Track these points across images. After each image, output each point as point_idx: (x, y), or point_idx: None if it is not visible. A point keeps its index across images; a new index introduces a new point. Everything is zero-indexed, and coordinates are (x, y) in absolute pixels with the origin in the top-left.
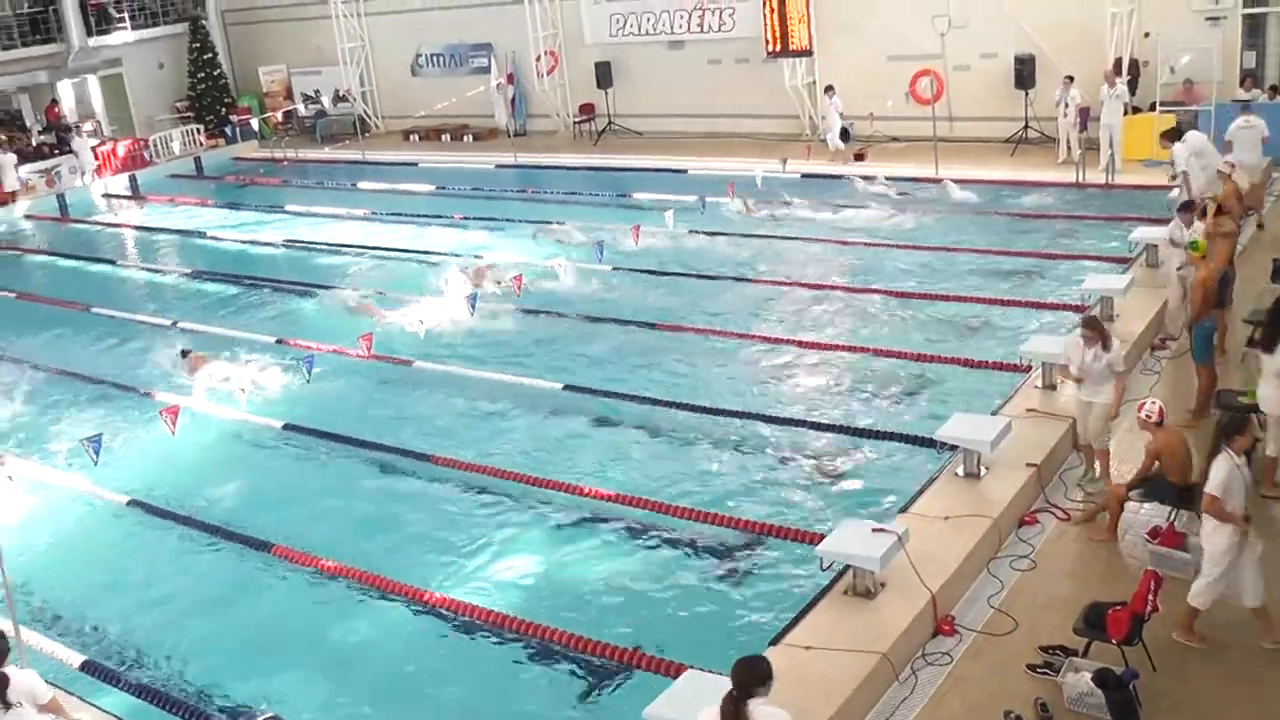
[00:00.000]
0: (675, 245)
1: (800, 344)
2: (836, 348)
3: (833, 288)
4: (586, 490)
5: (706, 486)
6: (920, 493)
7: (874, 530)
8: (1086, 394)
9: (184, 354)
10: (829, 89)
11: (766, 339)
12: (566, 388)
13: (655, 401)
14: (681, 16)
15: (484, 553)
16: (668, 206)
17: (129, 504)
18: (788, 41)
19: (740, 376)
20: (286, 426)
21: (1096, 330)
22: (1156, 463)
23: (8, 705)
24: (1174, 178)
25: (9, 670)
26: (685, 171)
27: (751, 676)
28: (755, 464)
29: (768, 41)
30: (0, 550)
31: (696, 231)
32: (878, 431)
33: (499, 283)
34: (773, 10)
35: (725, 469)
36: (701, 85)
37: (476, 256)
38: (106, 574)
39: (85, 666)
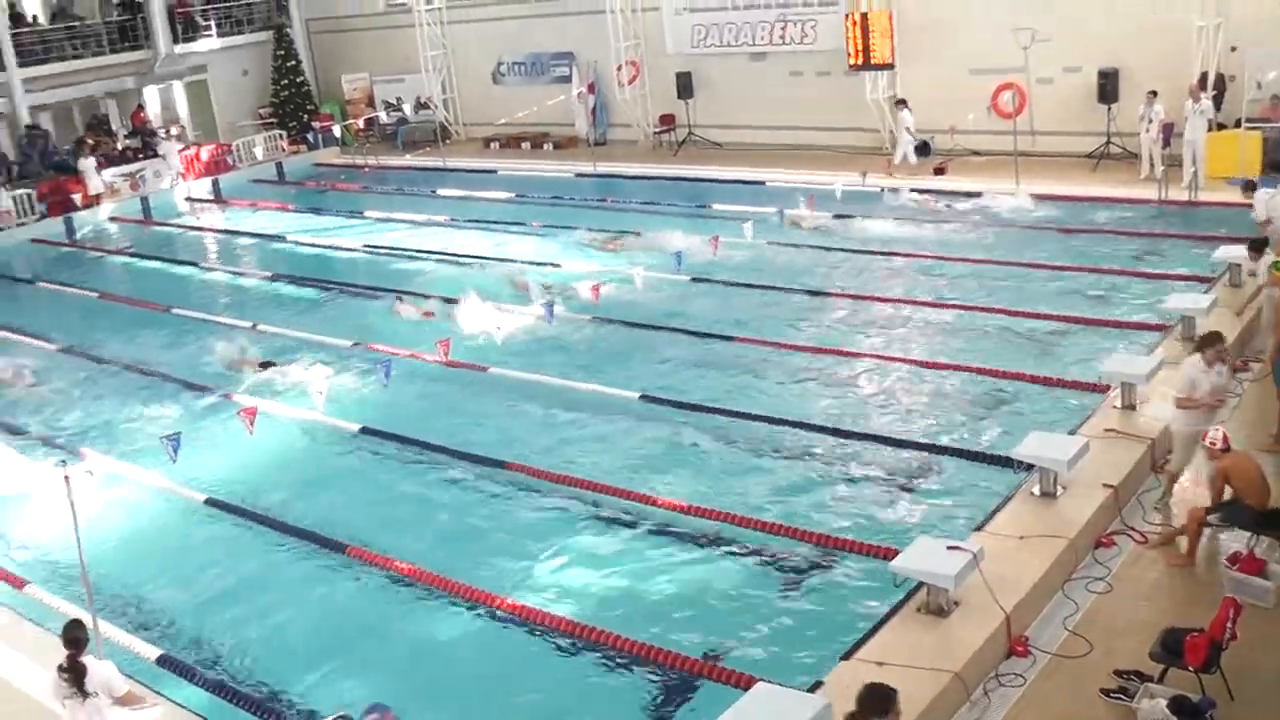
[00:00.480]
0: (754, 257)
1: (877, 357)
2: (912, 362)
3: (909, 302)
4: (660, 500)
5: (780, 499)
6: (996, 511)
7: (949, 548)
8: (1200, 422)
9: (264, 366)
10: (900, 102)
11: (842, 352)
12: (643, 397)
13: (730, 413)
14: (763, 28)
15: (555, 560)
16: (746, 218)
17: (206, 502)
18: (869, 55)
19: (815, 389)
20: (363, 430)
21: (1222, 348)
22: (1229, 487)
23: (85, 695)
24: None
25: (87, 660)
26: (764, 183)
27: (877, 704)
28: (829, 478)
29: (849, 54)
30: (80, 543)
31: (775, 243)
32: (953, 448)
33: (547, 288)
34: (855, 23)
35: (799, 482)
36: (782, 97)
37: (520, 265)
38: (183, 570)
39: (161, 660)
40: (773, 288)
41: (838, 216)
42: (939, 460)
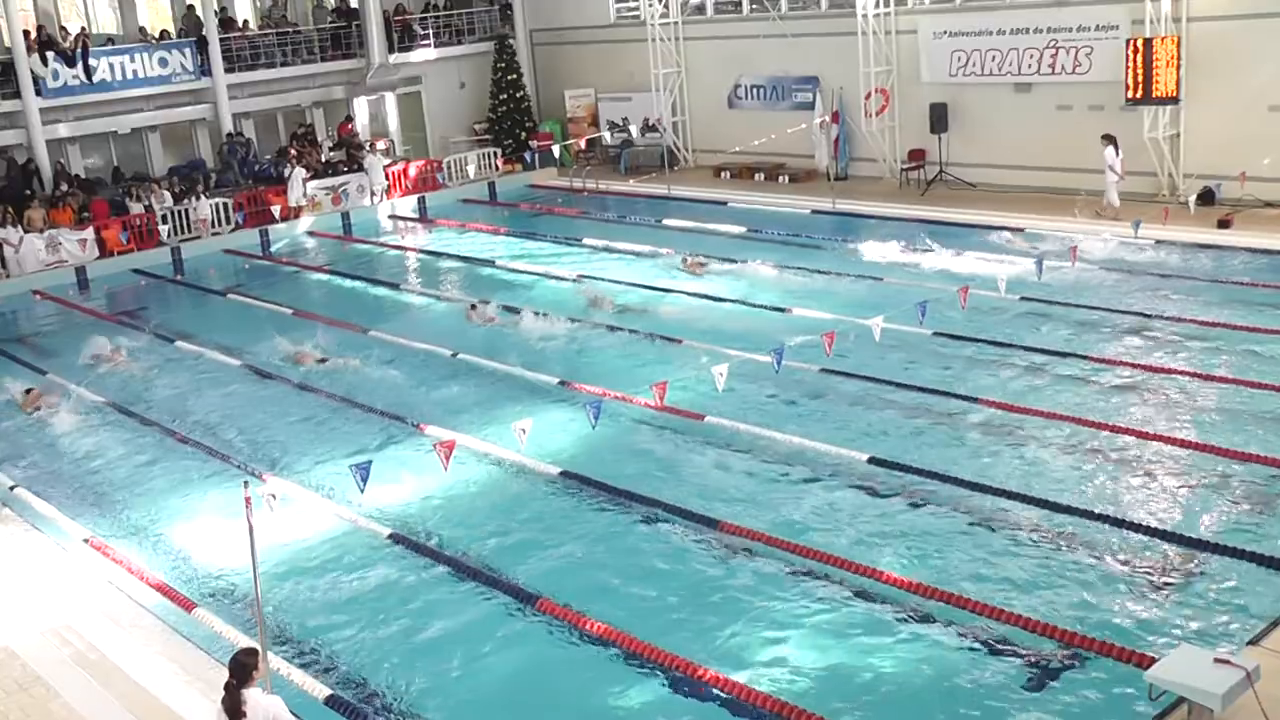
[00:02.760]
0: (1005, 312)
1: (1138, 434)
2: (1181, 443)
3: (1179, 372)
4: (885, 574)
5: (1012, 582)
6: (1275, 624)
7: (1216, 661)
8: None
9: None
10: (1107, 138)
11: (1094, 424)
12: (872, 460)
13: (964, 483)
14: (1031, 55)
15: (762, 630)
16: (1001, 268)
17: (389, 537)
18: (1151, 87)
19: (1061, 462)
20: (564, 474)
21: None
22: None
23: None
24: None
25: (253, 693)
26: (1022, 230)
27: None
28: (1071, 563)
29: (1128, 86)
30: (256, 567)
31: (1029, 298)
32: (1227, 546)
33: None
34: (1137, 50)
35: (1036, 564)
36: (1047, 134)
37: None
38: (361, 608)
39: (330, 701)
40: (1022, 347)
41: (1105, 269)
42: (1208, 558)
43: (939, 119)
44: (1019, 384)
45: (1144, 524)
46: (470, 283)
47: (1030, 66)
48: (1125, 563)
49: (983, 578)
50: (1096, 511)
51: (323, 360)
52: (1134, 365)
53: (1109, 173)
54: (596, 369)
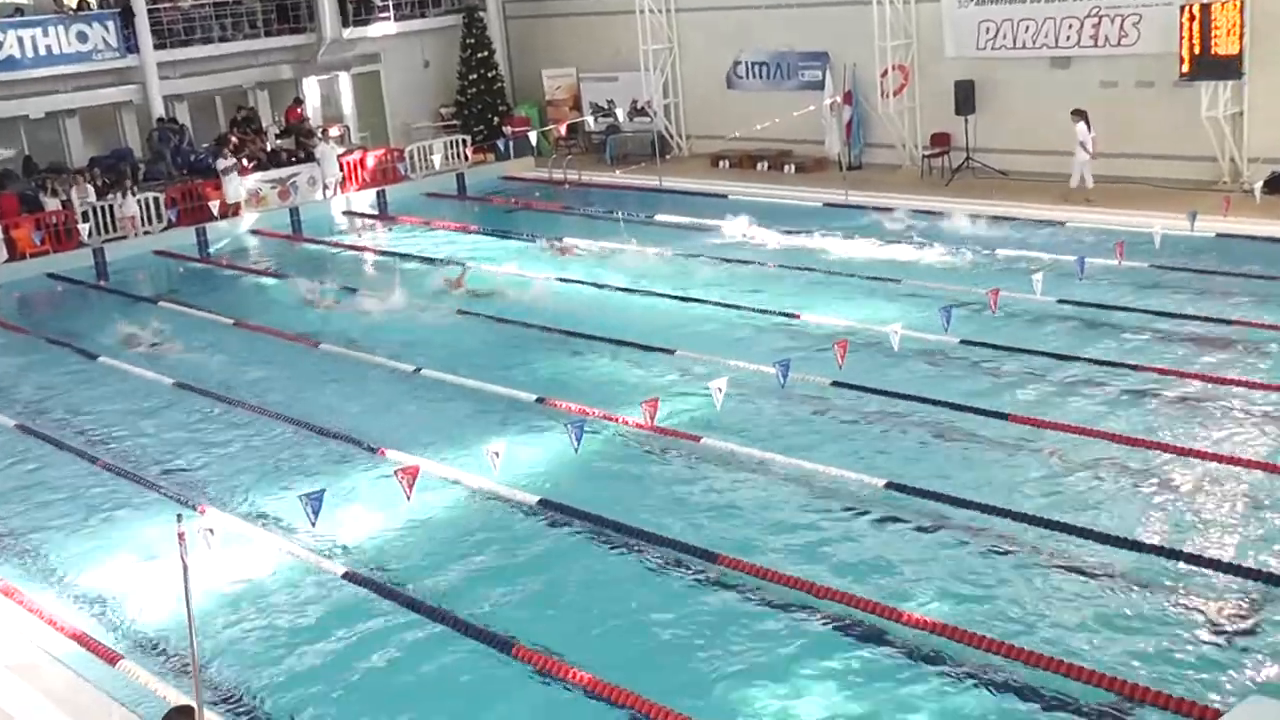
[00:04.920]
0: (1042, 317)
1: (1194, 454)
2: (1245, 463)
3: (1242, 384)
4: (907, 615)
5: (1057, 625)
6: None
7: None
8: None
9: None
10: (1078, 113)
11: (1147, 443)
12: (890, 485)
13: (998, 510)
14: (1070, 26)
15: (770, 679)
16: (1036, 267)
17: (344, 576)
18: (1210, 59)
19: (1110, 487)
20: (542, 502)
21: None
22: None
23: None
24: None
25: None
26: (1063, 224)
27: None
28: (1123, 603)
29: (1182, 59)
30: (191, 613)
31: (1067, 300)
32: None
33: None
34: (1193, 18)
35: (1083, 603)
36: (1089, 114)
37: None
38: (312, 657)
39: None
40: (1060, 355)
41: (1155, 267)
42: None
43: (965, 99)
44: (1055, 398)
45: (1209, 558)
46: (437, 288)
47: (1069, 38)
48: (1188, 603)
49: (1020, 619)
50: (1151, 543)
51: None
52: (1188, 376)
53: (1080, 151)
54: (582, 385)
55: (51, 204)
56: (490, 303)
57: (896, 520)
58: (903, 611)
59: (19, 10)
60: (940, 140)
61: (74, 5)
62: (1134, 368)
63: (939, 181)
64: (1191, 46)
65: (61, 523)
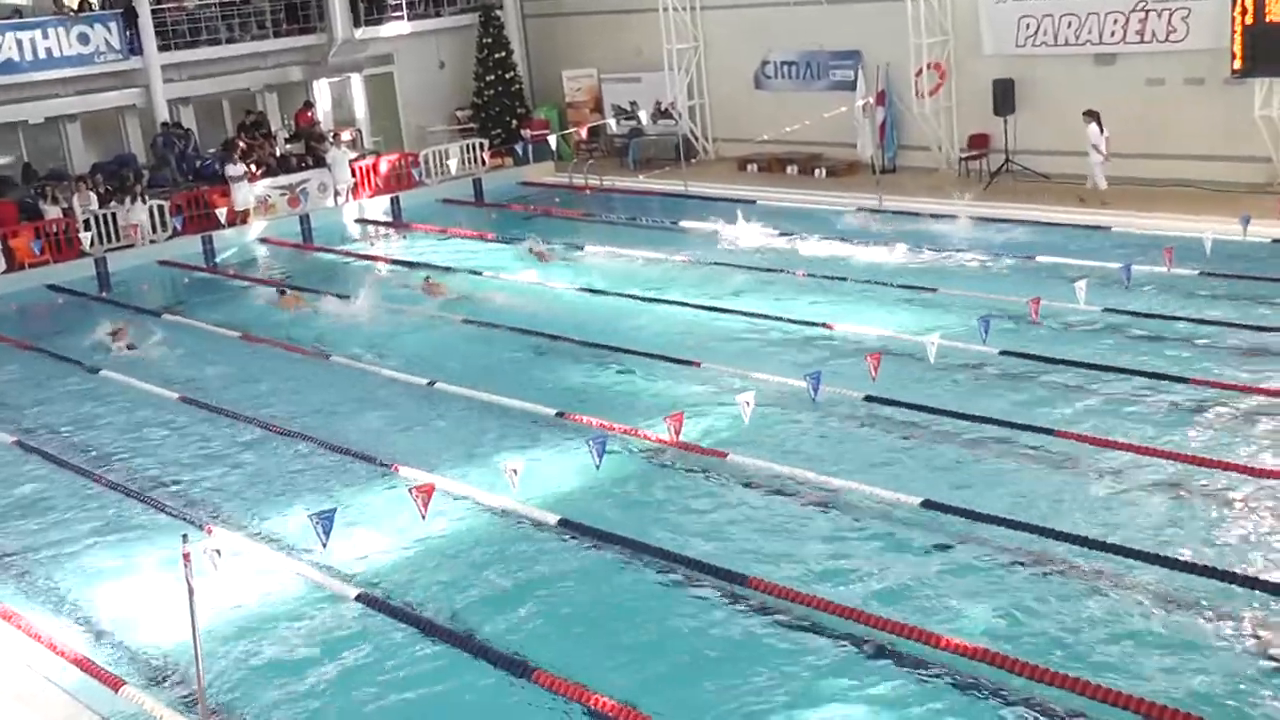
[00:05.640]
0: (1086, 326)
1: (1247, 470)
2: None
3: None
4: (945, 640)
5: (1099, 648)
6: None
7: None
8: None
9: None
10: (1090, 114)
11: (1198, 461)
12: (926, 504)
13: (1040, 530)
14: (1115, 21)
15: (802, 708)
16: (1080, 274)
17: (358, 598)
18: (1265, 54)
19: (1159, 506)
20: (563, 522)
21: None
22: None
23: None
24: None
25: None
26: (1108, 229)
27: None
28: (1170, 624)
29: (1234, 55)
30: (197, 637)
31: (1112, 309)
32: None
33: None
34: (1245, 11)
35: (1129, 625)
36: (1134, 113)
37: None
38: (323, 683)
39: None
40: (1103, 367)
41: (1205, 274)
42: None
43: (1004, 98)
44: (1101, 412)
45: (1257, 577)
46: (453, 299)
47: (1114, 34)
48: (1245, 630)
49: (1063, 644)
50: (1201, 564)
51: None
52: (1243, 389)
53: (1093, 153)
54: (605, 399)
55: (52, 212)
56: (508, 313)
57: (933, 541)
58: (940, 635)
59: (18, 11)
60: (978, 142)
61: (75, 6)
62: (1186, 380)
63: (977, 185)
64: (1243, 42)
65: (62, 543)
